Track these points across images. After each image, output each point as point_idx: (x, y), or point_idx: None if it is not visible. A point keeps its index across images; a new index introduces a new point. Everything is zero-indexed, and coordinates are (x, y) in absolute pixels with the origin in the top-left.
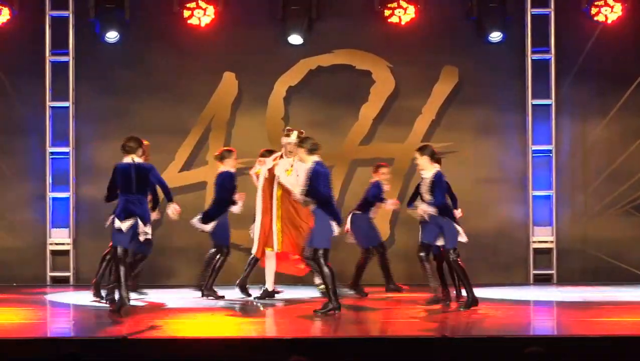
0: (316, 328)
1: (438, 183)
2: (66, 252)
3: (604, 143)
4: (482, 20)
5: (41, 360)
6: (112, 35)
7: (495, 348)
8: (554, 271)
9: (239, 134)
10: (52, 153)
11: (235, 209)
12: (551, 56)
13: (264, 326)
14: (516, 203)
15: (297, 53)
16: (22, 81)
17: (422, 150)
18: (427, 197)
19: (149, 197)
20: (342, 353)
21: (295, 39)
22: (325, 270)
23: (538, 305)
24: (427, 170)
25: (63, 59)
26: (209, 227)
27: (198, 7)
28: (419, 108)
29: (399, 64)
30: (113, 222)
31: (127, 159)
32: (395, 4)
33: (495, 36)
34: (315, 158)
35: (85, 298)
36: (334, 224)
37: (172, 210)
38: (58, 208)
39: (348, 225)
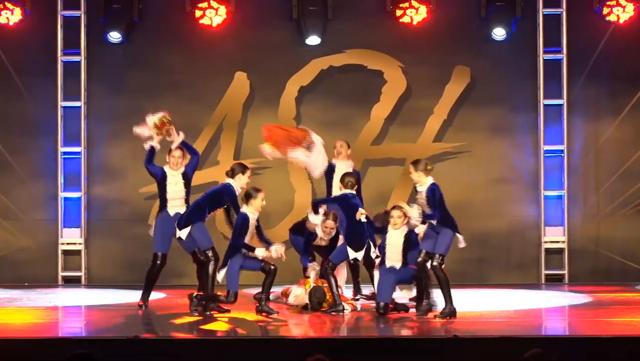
0: (334, 329)
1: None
2: (78, 252)
3: (615, 143)
4: (489, 19)
5: (53, 360)
6: (115, 36)
7: (506, 348)
8: (565, 272)
9: (251, 134)
10: (63, 153)
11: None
12: (563, 56)
13: (284, 326)
14: (528, 203)
15: (309, 53)
16: (34, 81)
17: (415, 164)
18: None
19: None
20: (356, 353)
21: (313, 40)
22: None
23: (549, 305)
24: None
25: (75, 58)
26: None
27: (210, 7)
28: (430, 108)
29: (411, 64)
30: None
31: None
32: (407, 4)
33: (500, 34)
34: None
35: (96, 297)
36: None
37: None
38: (70, 208)
39: None
